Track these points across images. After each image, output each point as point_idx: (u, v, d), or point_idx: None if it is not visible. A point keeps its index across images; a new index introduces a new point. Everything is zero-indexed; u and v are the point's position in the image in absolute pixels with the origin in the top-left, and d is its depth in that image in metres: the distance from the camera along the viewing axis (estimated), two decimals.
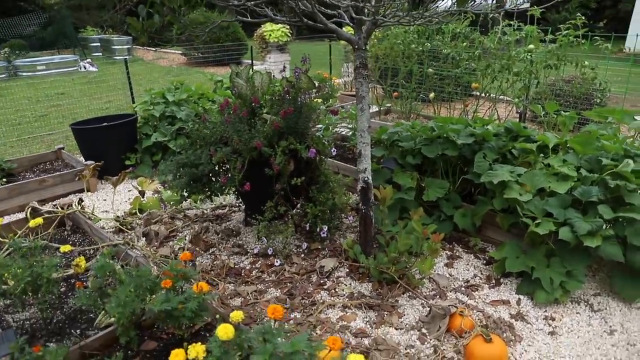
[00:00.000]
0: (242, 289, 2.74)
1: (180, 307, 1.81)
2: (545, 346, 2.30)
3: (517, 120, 5.24)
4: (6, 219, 3.59)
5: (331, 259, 2.97)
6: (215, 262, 3.02)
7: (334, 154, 3.21)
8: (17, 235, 2.98)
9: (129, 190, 4.21)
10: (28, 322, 2.34)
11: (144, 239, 3.17)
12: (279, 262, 2.98)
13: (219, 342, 1.63)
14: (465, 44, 5.78)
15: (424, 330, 2.41)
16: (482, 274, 2.89)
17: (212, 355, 1.58)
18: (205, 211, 3.72)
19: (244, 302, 2.64)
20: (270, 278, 2.86)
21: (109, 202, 3.99)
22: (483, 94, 5.52)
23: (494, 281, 2.81)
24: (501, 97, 5.61)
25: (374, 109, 6.38)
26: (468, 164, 3.32)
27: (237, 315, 1.72)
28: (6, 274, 2.07)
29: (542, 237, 2.62)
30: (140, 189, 3.52)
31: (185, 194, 3.08)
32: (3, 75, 11.27)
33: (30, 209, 3.10)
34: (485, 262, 3.01)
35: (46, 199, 3.86)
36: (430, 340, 2.34)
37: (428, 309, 2.53)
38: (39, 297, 2.17)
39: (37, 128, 6.58)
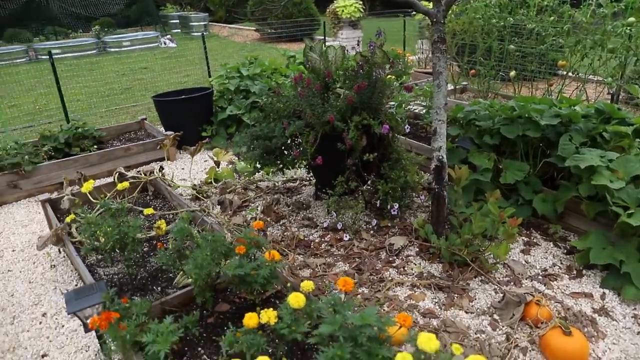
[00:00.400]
0: (311, 260, 2.79)
1: (253, 273, 1.87)
2: (634, 347, 2.13)
3: (609, 101, 4.82)
4: (96, 183, 3.89)
5: (401, 237, 2.93)
6: (285, 234, 3.08)
7: (407, 131, 3.13)
8: (107, 197, 3.21)
9: (205, 161, 4.39)
10: (116, 276, 2.53)
11: (219, 207, 3.29)
12: (347, 237, 2.99)
13: (290, 310, 1.66)
14: (552, 18, 5.36)
15: (495, 317, 2.33)
16: (561, 263, 2.73)
17: (283, 322, 1.62)
18: (276, 184, 3.80)
19: (312, 273, 2.68)
20: (339, 252, 2.88)
21: (186, 170, 4.18)
22: (570, 73, 5.12)
23: (575, 272, 2.64)
24: (591, 76, 5.17)
25: (450, 87, 6.13)
26: (551, 147, 3.11)
27: (307, 285, 1.75)
28: (98, 232, 2.24)
29: (635, 229, 2.41)
30: (215, 159, 3.65)
31: (258, 166, 3.15)
32: (94, 51, 12.11)
33: (117, 174, 3.32)
34: (565, 251, 2.84)
35: (131, 166, 4.12)
36: (503, 327, 2.25)
37: (501, 294, 2.44)
38: (125, 254, 2.34)
39: (123, 100, 7.00)
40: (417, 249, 2.88)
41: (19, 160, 3.55)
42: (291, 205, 3.45)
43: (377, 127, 2.81)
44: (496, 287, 2.52)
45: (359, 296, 2.48)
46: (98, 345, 2.11)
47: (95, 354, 2.17)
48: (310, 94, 2.93)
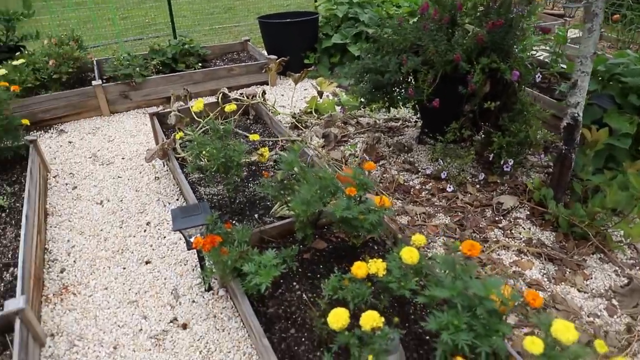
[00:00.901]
0: (410, 207, 2.64)
1: (361, 217, 1.76)
2: None
3: None
4: None
5: (511, 197, 2.67)
6: (384, 175, 2.94)
7: (538, 79, 2.76)
8: (209, 118, 3.23)
9: (305, 89, 4.28)
10: (216, 197, 2.57)
11: (323, 139, 3.18)
12: (451, 187, 2.78)
13: (399, 263, 1.55)
14: None
15: (614, 302, 2.07)
16: None
17: (392, 275, 1.51)
18: (377, 121, 3.61)
19: (410, 221, 2.54)
20: (440, 203, 2.70)
21: (286, 97, 4.11)
22: None
23: None
24: None
25: (578, 33, 5.37)
26: None
27: (419, 240, 1.61)
28: (204, 152, 2.23)
29: None
30: (319, 89, 3.51)
31: (364, 101, 2.97)
32: None
33: (221, 94, 3.30)
34: None
35: (232, 87, 4.11)
36: (622, 315, 2.00)
37: (625, 279, 2.16)
38: (227, 177, 2.33)
39: (226, 19, 6.97)
40: (528, 212, 2.61)
41: (131, 72, 3.65)
42: (392, 146, 3.27)
43: (507, 72, 2.48)
44: (618, 269, 2.24)
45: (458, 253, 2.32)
46: (197, 262, 2.17)
47: (193, 269, 2.24)
48: (435, 28, 2.63)
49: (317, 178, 1.89)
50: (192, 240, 1.85)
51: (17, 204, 2.51)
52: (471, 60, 2.55)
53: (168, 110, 3.18)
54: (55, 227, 2.58)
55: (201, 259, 2.01)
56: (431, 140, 3.07)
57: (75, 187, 2.92)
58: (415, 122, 3.55)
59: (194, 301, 2.07)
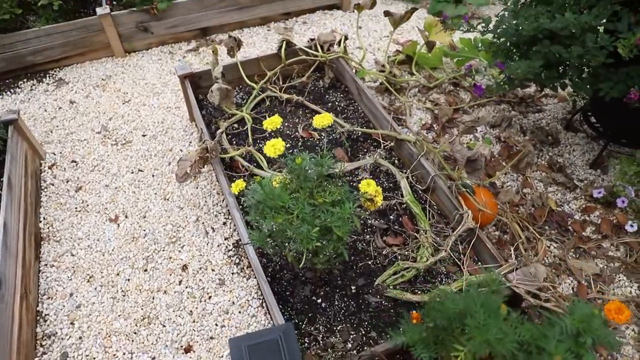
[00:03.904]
0: (575, 263, 1.72)
1: None
2: None
3: None
4: (246, 35, 2.83)
5: None
6: (525, 191, 1.95)
7: None
8: (263, 81, 2.20)
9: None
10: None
11: (464, 165, 1.76)
12: (634, 226, 1.82)
13: None
14: None
15: None
16: None
17: None
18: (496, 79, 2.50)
19: (579, 290, 1.64)
20: (618, 254, 1.76)
21: (364, 31, 2.93)
22: None
23: None
24: None
25: None
26: None
27: None
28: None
29: None
30: (427, 36, 2.35)
31: (518, 82, 1.87)
32: None
33: (285, 42, 2.21)
34: None
35: (290, 13, 2.95)
36: None
37: None
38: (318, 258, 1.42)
39: None
40: None
41: None
42: (529, 131, 2.23)
43: None
44: None
45: None
46: None
47: None
48: None
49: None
50: None
51: None
52: None
53: (205, 66, 2.15)
54: (52, 265, 1.78)
55: None
56: (591, 129, 2.04)
57: (80, 187, 2.06)
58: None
59: None
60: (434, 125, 2.28)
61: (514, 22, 1.77)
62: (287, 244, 1.27)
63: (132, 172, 2.11)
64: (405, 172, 1.87)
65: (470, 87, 2.48)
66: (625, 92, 1.63)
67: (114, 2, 2.73)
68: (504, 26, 1.84)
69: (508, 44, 1.83)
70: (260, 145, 2.08)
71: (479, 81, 2.51)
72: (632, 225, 1.84)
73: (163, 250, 1.82)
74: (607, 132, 2.00)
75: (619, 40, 1.51)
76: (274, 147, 1.22)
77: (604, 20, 1.61)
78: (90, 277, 1.75)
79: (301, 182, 1.25)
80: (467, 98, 2.43)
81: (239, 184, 1.31)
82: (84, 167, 2.14)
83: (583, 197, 1.97)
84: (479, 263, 1.65)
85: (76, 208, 1.98)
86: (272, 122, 1.29)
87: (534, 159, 2.07)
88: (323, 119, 1.36)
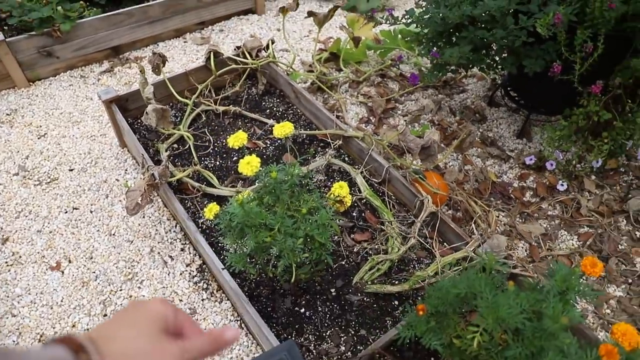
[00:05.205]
0: (523, 227, 1.86)
1: None
2: None
3: None
4: (163, 50, 2.68)
5: None
6: (467, 168, 2.08)
7: None
8: (195, 96, 2.11)
9: (305, 17, 3.07)
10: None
11: (418, 154, 1.95)
12: (563, 185, 2.01)
13: None
14: None
15: None
16: None
17: None
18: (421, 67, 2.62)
19: (531, 251, 1.78)
20: (554, 212, 1.94)
21: (282, 33, 2.91)
22: None
23: None
24: None
25: None
26: None
27: None
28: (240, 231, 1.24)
29: None
30: (351, 32, 2.38)
31: (449, 68, 1.96)
32: None
33: (211, 53, 2.12)
34: None
35: (205, 22, 2.85)
36: None
37: None
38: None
39: None
40: None
41: (50, 14, 2.29)
42: (458, 112, 2.36)
43: None
44: None
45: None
46: None
47: None
48: None
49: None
50: None
51: None
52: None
53: (130, 90, 2.01)
54: None
55: None
56: (512, 103, 2.23)
57: (7, 238, 1.83)
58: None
59: None
60: (371, 118, 2.33)
61: (438, 11, 1.86)
62: (271, 261, 1.23)
63: (66, 212, 1.92)
64: (359, 168, 1.90)
65: (397, 77, 2.57)
66: (544, 67, 1.79)
67: (5, 27, 2.46)
68: (427, 16, 1.93)
69: (434, 33, 1.92)
70: (206, 163, 1.99)
71: (405, 71, 2.61)
72: (562, 185, 2.02)
73: (120, 290, 1.68)
74: (527, 104, 2.18)
75: (536, 20, 1.65)
76: (250, 164, 1.16)
77: (517, 4, 1.75)
78: (41, 336, 1.57)
79: (277, 195, 1.22)
80: (396, 88, 2.52)
81: (212, 208, 1.23)
82: (6, 215, 1.90)
83: (517, 165, 2.14)
84: (445, 244, 1.72)
85: (7, 262, 1.76)
86: (238, 138, 1.23)
87: (475, 137, 2.20)
88: (284, 128, 1.33)
